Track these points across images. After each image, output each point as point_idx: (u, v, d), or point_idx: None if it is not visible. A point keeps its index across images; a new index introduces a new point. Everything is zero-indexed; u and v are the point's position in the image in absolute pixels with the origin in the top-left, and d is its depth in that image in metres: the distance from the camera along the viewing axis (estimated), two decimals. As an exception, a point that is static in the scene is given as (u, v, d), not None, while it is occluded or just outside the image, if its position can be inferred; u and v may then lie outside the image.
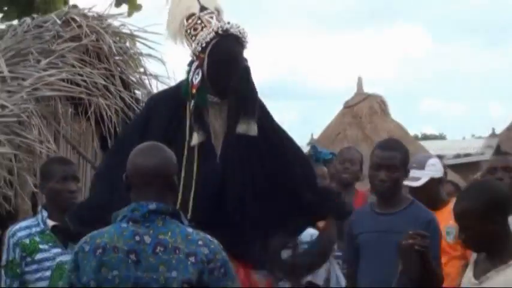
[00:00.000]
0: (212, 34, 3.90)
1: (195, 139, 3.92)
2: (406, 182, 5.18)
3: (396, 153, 4.34)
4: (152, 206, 3.06)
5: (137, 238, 3.06)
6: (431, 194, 5.28)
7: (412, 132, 15.88)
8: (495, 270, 2.99)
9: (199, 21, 4.02)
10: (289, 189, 4.17)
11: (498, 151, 6.61)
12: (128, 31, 6.48)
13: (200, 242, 3.07)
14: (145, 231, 3.07)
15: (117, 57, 6.38)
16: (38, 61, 5.85)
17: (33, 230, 4.70)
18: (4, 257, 4.64)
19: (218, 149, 4.02)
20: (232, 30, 3.93)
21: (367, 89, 11.23)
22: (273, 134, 4.17)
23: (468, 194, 3.14)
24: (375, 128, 10.45)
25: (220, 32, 3.89)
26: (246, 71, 3.98)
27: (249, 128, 3.93)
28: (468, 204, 2.97)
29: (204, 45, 3.91)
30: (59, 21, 6.22)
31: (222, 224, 3.89)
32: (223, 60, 3.96)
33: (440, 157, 7.40)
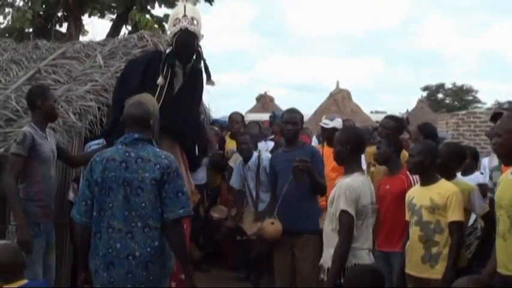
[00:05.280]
0: (178, 29, 5.85)
1: (160, 81, 5.88)
2: (321, 123, 7.57)
3: (297, 115, 6.30)
4: (136, 135, 4.31)
5: (127, 154, 4.24)
6: (331, 135, 7.06)
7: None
8: None
9: (177, 22, 5.88)
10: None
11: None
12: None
13: (163, 157, 4.29)
14: (132, 150, 4.26)
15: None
16: (121, 58, 8.15)
17: None
18: None
19: (177, 87, 5.98)
20: (189, 28, 5.82)
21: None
22: (198, 89, 6.19)
23: None
24: (344, 107, 15.54)
25: (182, 29, 5.81)
26: (199, 52, 5.95)
27: (207, 82, 6.15)
28: None
29: (173, 34, 5.89)
30: (136, 37, 8.71)
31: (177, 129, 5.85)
32: (180, 43, 5.85)
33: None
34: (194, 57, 5.97)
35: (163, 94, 5.88)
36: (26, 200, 5.37)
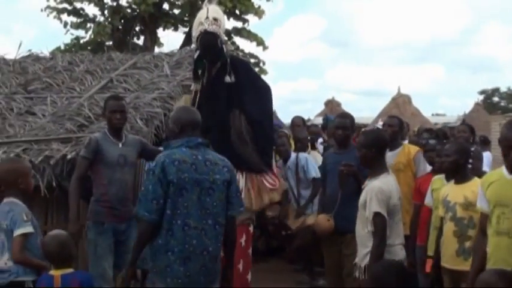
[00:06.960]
0: (199, 32, 6.02)
1: (194, 87, 6.30)
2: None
3: (347, 120, 6.35)
4: (199, 140, 4.52)
5: (194, 156, 4.43)
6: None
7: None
8: None
9: (200, 26, 6.03)
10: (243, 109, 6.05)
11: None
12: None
13: (226, 161, 4.60)
14: (198, 153, 4.47)
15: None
16: (187, 67, 8.58)
17: None
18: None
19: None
20: (209, 29, 5.97)
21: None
22: (242, 83, 6.09)
23: None
24: (405, 109, 17.88)
25: (202, 31, 5.98)
26: (222, 50, 6.06)
27: (225, 78, 6.03)
28: None
29: (196, 39, 6.08)
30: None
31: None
32: (203, 45, 6.04)
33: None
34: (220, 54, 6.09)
35: (198, 98, 6.14)
36: (93, 200, 5.74)
